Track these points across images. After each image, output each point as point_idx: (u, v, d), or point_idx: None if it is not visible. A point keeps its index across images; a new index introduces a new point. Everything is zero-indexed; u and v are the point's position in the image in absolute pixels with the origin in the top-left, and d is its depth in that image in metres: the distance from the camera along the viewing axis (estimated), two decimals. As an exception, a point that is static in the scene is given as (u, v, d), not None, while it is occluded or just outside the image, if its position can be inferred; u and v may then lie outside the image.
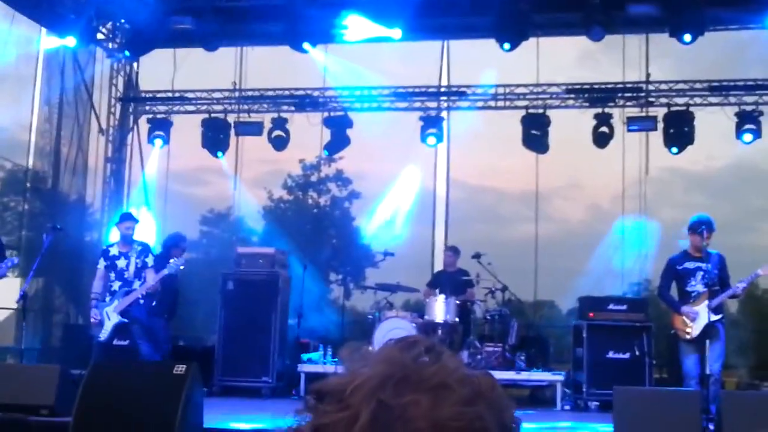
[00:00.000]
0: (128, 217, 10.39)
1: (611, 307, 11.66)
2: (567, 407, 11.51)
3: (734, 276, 9.16)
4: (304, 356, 12.55)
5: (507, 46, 13.40)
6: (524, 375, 11.62)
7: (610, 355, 11.21)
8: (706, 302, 8.83)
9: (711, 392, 8.48)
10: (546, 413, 10.80)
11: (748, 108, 14.38)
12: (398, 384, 1.03)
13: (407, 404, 1.01)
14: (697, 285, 9.01)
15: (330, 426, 1.03)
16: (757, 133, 14.13)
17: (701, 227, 8.93)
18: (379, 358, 1.08)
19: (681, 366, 9.10)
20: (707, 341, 8.76)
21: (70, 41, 14.04)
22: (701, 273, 8.96)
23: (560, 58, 16.69)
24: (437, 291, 12.23)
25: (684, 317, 8.95)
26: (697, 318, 8.86)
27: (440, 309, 11.85)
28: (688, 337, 8.93)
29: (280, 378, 12.06)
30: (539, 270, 15.48)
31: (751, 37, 14.93)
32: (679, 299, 9.12)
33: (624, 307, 11.64)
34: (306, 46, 13.92)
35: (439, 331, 11.75)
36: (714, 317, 8.83)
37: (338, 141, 15.52)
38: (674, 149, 14.38)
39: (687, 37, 12.90)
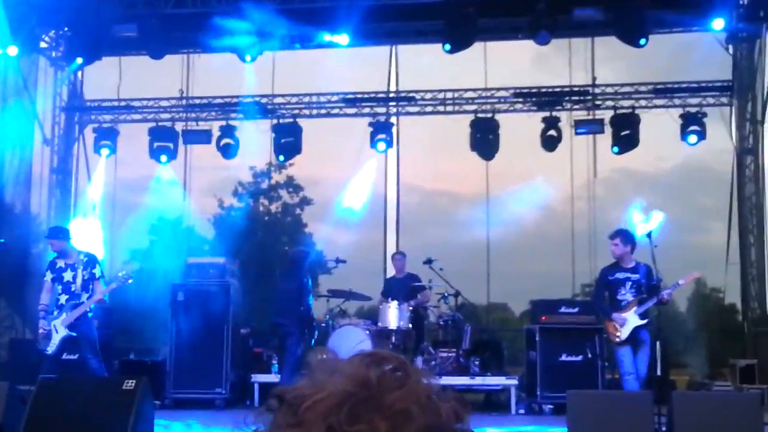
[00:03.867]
0: (51, 235, 10.11)
1: (563, 310, 11.76)
2: (521, 411, 11.57)
3: (679, 273, 9.63)
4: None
5: (448, 47, 13.40)
6: (479, 380, 11.65)
7: (563, 358, 11.29)
8: (635, 309, 9.51)
9: (629, 388, 9.22)
10: (501, 418, 10.84)
11: (692, 110, 14.58)
12: (356, 406, 0.99)
13: None
14: (626, 294, 9.62)
15: None
16: (701, 134, 14.35)
17: (615, 238, 9.75)
18: (344, 371, 1.04)
19: (618, 366, 9.62)
20: (636, 346, 9.44)
21: (12, 50, 13.79)
22: (630, 283, 9.62)
23: (509, 62, 16.76)
24: (389, 298, 12.18)
25: (614, 323, 9.55)
26: (626, 323, 9.48)
27: (393, 316, 11.82)
28: (617, 340, 9.54)
29: (233, 389, 11.95)
30: (492, 273, 15.57)
31: (695, 40, 15.16)
32: (611, 306, 9.71)
33: (575, 309, 11.74)
34: (247, 57, 13.79)
35: (393, 338, 11.74)
36: (641, 322, 9.47)
37: (288, 148, 15.44)
38: (615, 149, 14.54)
39: (642, 41, 12.99)
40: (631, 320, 9.47)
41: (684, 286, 10.09)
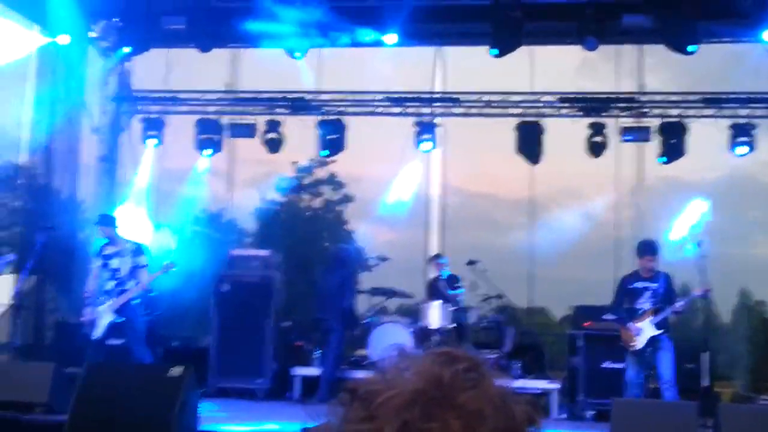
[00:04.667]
0: (100, 222, 10.26)
1: (606, 316, 11.66)
2: (563, 416, 11.51)
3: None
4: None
5: (495, 51, 13.40)
6: (520, 383, 11.60)
7: (606, 365, 11.21)
8: (650, 318, 9.59)
9: (666, 397, 9.28)
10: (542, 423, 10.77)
11: (741, 121, 14.43)
12: (429, 404, 0.98)
13: (433, 429, 0.96)
14: (644, 303, 9.72)
15: None
16: (751, 146, 14.18)
17: (643, 252, 9.90)
18: (417, 369, 1.03)
19: (625, 373, 9.77)
20: (654, 353, 9.56)
21: (64, 39, 13.93)
22: (649, 292, 9.75)
23: (555, 66, 16.70)
24: (432, 298, 12.18)
25: (630, 331, 9.63)
26: (641, 333, 9.58)
27: (435, 315, 11.82)
28: (632, 349, 9.62)
29: (274, 380, 12.01)
30: (533, 277, 15.49)
31: (745, 51, 15.01)
32: (628, 314, 9.78)
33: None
34: (297, 54, 13.87)
35: (434, 338, 11.73)
36: (657, 332, 9.56)
37: (332, 144, 15.47)
38: (663, 159, 14.42)
39: (692, 48, 12.88)
40: (646, 330, 9.56)
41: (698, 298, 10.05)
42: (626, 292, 9.91)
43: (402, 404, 0.98)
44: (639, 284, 9.78)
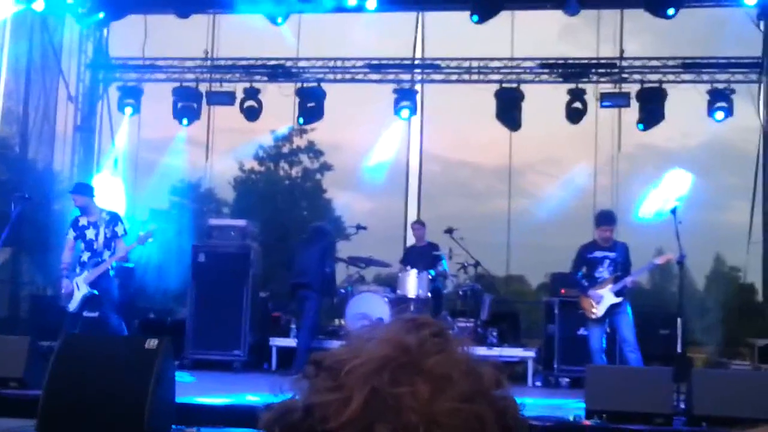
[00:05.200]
0: (75, 190, 10.19)
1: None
2: (538, 383, 11.63)
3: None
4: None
5: (476, 18, 13.33)
6: (496, 351, 11.67)
7: (582, 332, 11.28)
8: (610, 286, 9.76)
9: (631, 360, 9.48)
10: (517, 390, 10.76)
11: (720, 86, 14.42)
12: (397, 370, 0.98)
13: (402, 394, 0.97)
14: (603, 272, 9.89)
15: (321, 406, 0.99)
16: (729, 111, 14.19)
17: (600, 222, 10.04)
18: (384, 336, 1.03)
19: (588, 342, 9.88)
20: (614, 318, 9.75)
21: (39, 5, 13.77)
22: (608, 261, 9.90)
23: (535, 32, 16.61)
24: (408, 266, 12.20)
25: (590, 299, 9.81)
26: (602, 301, 9.74)
27: (412, 284, 11.85)
28: (593, 317, 9.80)
29: (251, 352, 12.03)
30: (511, 245, 15.55)
31: (726, 15, 14.99)
32: (588, 283, 9.95)
33: (595, 283, 11.70)
34: (278, 20, 13.78)
35: (411, 306, 11.76)
36: (616, 300, 9.72)
37: (311, 112, 15.41)
38: (641, 126, 14.44)
39: (671, 11, 12.86)
40: (606, 297, 9.73)
41: (661, 266, 10.25)
42: (585, 261, 10.07)
43: (370, 371, 0.98)
44: (598, 253, 9.93)
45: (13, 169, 14.65)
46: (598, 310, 9.72)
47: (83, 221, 9.92)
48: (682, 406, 8.07)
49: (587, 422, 7.78)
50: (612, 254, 9.86)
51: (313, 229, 12.10)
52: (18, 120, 14.56)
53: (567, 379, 11.36)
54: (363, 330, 1.06)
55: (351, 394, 0.97)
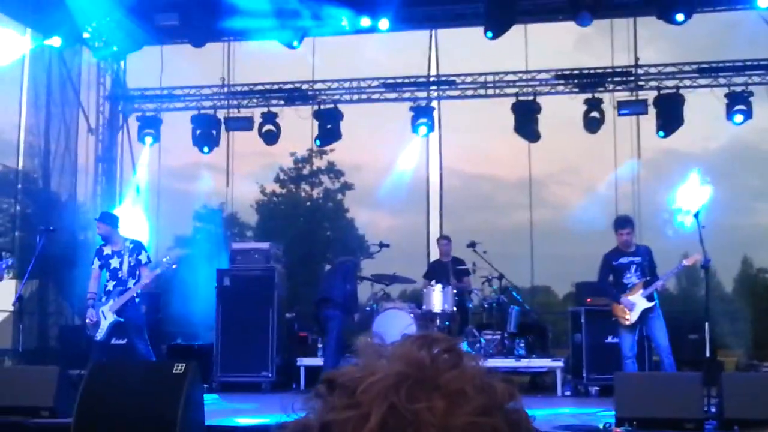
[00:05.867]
0: (100, 219, 10.29)
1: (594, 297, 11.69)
2: (567, 393, 11.56)
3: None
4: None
5: (490, 34, 13.37)
6: (524, 362, 11.64)
7: (609, 340, 11.22)
8: (641, 291, 9.70)
9: (666, 365, 9.43)
10: (547, 400, 10.82)
11: (738, 89, 14.35)
12: (413, 386, 0.99)
13: (419, 410, 0.97)
14: (631, 277, 9.83)
15: (338, 423, 0.99)
16: (748, 114, 14.11)
17: (619, 226, 9.98)
18: (397, 354, 1.04)
19: (620, 348, 9.83)
20: (648, 324, 9.72)
21: (56, 41, 13.96)
22: (634, 266, 9.86)
23: (550, 44, 16.64)
24: (433, 281, 12.22)
25: (623, 306, 9.75)
26: (634, 307, 9.69)
27: (438, 299, 11.85)
28: (627, 323, 9.74)
29: (279, 372, 12.06)
30: (535, 256, 15.51)
31: (739, 18, 14.93)
32: (617, 290, 9.89)
33: (621, 291, 11.64)
34: (294, 43, 13.88)
35: (438, 321, 11.75)
36: (648, 304, 9.67)
37: (329, 133, 15.48)
38: (661, 133, 14.37)
39: (680, 17, 12.86)
40: (639, 303, 9.68)
41: (687, 268, 10.06)
42: (611, 269, 10.00)
43: (387, 388, 0.98)
44: (623, 259, 9.88)
45: (36, 201, 14.79)
46: (632, 317, 9.67)
47: (107, 250, 10.00)
48: (713, 410, 7.99)
49: (618, 430, 7.72)
50: (637, 259, 9.83)
51: (338, 262, 12.18)
52: (40, 153, 14.72)
53: (596, 388, 11.28)
54: (374, 347, 1.07)
55: (369, 411, 0.97)
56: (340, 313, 11.18)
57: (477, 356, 1.06)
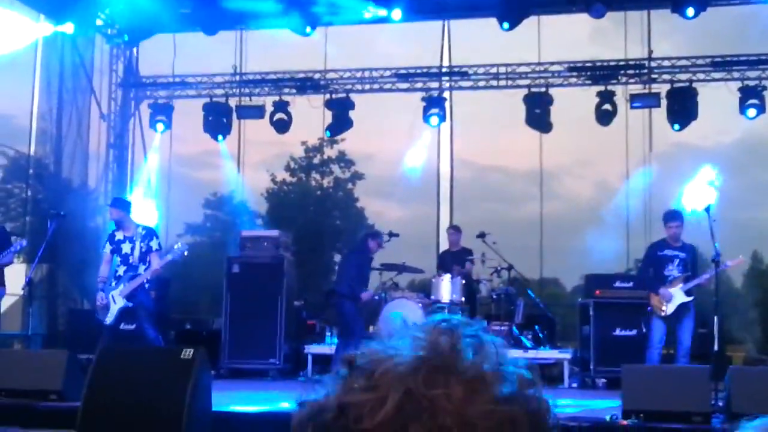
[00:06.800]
0: (113, 204, 10.36)
1: (617, 284, 11.71)
2: (575, 385, 11.56)
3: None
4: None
5: (506, 25, 13.33)
6: (531, 353, 11.62)
7: (617, 332, 11.22)
8: (681, 285, 9.86)
9: (682, 363, 9.61)
10: (554, 391, 10.81)
11: (752, 83, 14.28)
12: (431, 372, 0.98)
13: (436, 396, 0.97)
14: (673, 270, 9.96)
15: (355, 405, 0.99)
16: (761, 108, 14.03)
17: (669, 218, 10.08)
18: (417, 337, 1.03)
19: (648, 336, 10.02)
20: (680, 320, 9.83)
21: (69, 27, 13.99)
22: (677, 260, 9.98)
23: (564, 36, 16.56)
24: (441, 271, 12.23)
25: (661, 297, 9.85)
26: (672, 299, 9.83)
27: (446, 289, 11.85)
28: (662, 314, 9.86)
29: (287, 360, 12.11)
30: (544, 248, 15.50)
31: (753, 12, 14.86)
32: (656, 281, 10.00)
33: (630, 284, 11.65)
34: (307, 29, 13.86)
35: (446, 311, 11.74)
36: (687, 299, 9.84)
37: (340, 123, 15.48)
38: (676, 126, 14.30)
39: (690, 11, 12.82)
40: (677, 296, 9.80)
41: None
42: (654, 260, 10.13)
43: (404, 372, 0.98)
44: (668, 252, 10.02)
45: (48, 187, 14.85)
46: (668, 309, 9.82)
47: (119, 236, 10.03)
48: (720, 404, 7.97)
49: (624, 422, 7.70)
50: (682, 254, 9.97)
51: (359, 238, 12.15)
52: (52, 139, 14.77)
53: (603, 380, 11.28)
54: (396, 331, 1.07)
55: (386, 395, 0.97)
56: (345, 301, 11.19)
57: (500, 342, 1.05)
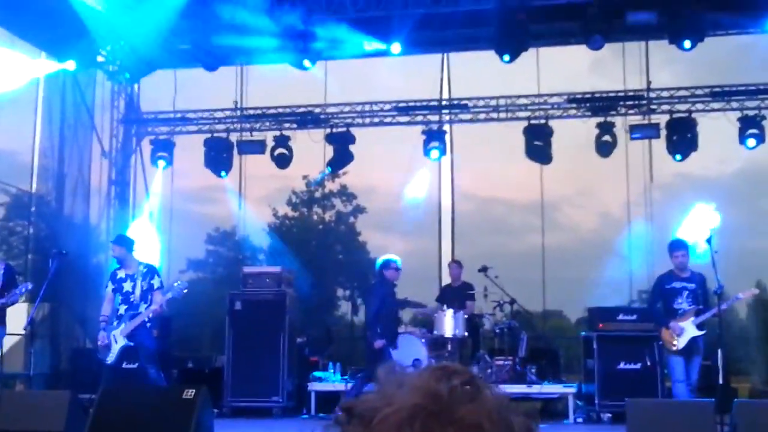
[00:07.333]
0: (115, 241, 10.36)
1: (621, 317, 11.63)
2: (579, 420, 11.47)
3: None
4: (316, 374, 12.51)
5: (507, 57, 13.38)
6: (536, 388, 11.56)
7: (621, 366, 11.15)
8: (692, 319, 9.59)
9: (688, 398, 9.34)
10: (559, 426, 10.75)
11: (751, 113, 14.31)
12: (428, 419, 0.98)
13: None
14: (683, 303, 9.71)
15: None
16: (761, 138, 14.06)
17: (674, 248, 9.88)
18: (415, 384, 1.03)
19: (670, 373, 9.77)
20: (690, 355, 9.59)
21: (70, 65, 14.07)
22: (687, 292, 9.73)
23: (563, 67, 16.63)
24: (444, 306, 12.17)
25: (671, 331, 9.62)
26: (683, 333, 9.58)
27: (449, 324, 11.80)
28: (674, 349, 9.62)
29: (290, 397, 12.05)
30: (547, 280, 15.45)
31: (752, 42, 14.92)
32: (667, 314, 9.75)
33: (634, 317, 11.58)
34: (306, 63, 13.92)
35: (449, 346, 11.71)
36: (699, 333, 9.59)
37: (341, 157, 15.51)
38: (678, 156, 14.32)
39: (687, 44, 12.90)
40: (689, 330, 9.56)
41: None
42: (663, 292, 9.88)
43: (401, 420, 0.98)
44: (677, 284, 9.77)
45: (50, 224, 14.85)
46: (679, 343, 9.57)
47: (121, 274, 10.02)
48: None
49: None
50: (691, 285, 9.72)
51: (376, 273, 11.54)
52: (53, 176, 14.79)
53: (609, 414, 11.18)
54: (394, 377, 1.06)
55: None
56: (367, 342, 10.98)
57: (497, 388, 1.05)
